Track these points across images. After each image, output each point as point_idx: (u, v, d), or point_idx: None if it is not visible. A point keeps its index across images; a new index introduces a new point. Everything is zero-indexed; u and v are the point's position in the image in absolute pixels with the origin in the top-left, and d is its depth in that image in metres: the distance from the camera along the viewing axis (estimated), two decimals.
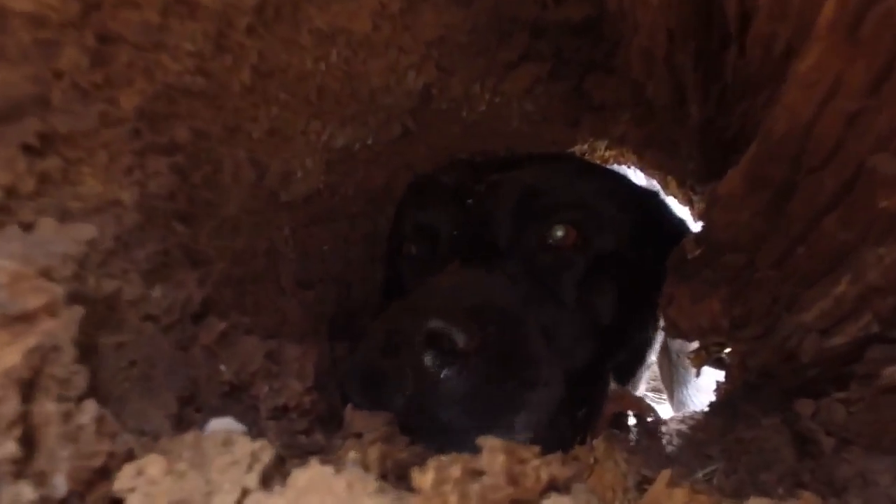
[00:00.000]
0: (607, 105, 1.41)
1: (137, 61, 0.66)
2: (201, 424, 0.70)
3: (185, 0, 0.68)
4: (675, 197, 1.56)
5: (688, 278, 1.18)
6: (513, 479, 0.51)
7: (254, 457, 0.51)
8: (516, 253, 1.14)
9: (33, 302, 0.47)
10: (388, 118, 1.20)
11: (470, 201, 1.23)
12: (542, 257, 1.14)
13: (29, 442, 0.45)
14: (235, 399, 0.81)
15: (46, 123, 0.59)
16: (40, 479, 0.45)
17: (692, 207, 1.52)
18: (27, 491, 0.43)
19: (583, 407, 1.06)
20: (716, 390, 1.21)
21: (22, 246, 0.49)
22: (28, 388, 0.46)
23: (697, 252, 1.21)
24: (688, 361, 1.73)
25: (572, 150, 1.58)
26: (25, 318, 0.46)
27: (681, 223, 1.40)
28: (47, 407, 0.46)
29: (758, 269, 1.04)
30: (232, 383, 0.79)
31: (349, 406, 0.90)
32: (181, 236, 0.77)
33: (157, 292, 0.71)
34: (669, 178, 1.54)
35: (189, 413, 0.73)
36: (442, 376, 0.89)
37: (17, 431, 0.43)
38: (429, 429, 0.91)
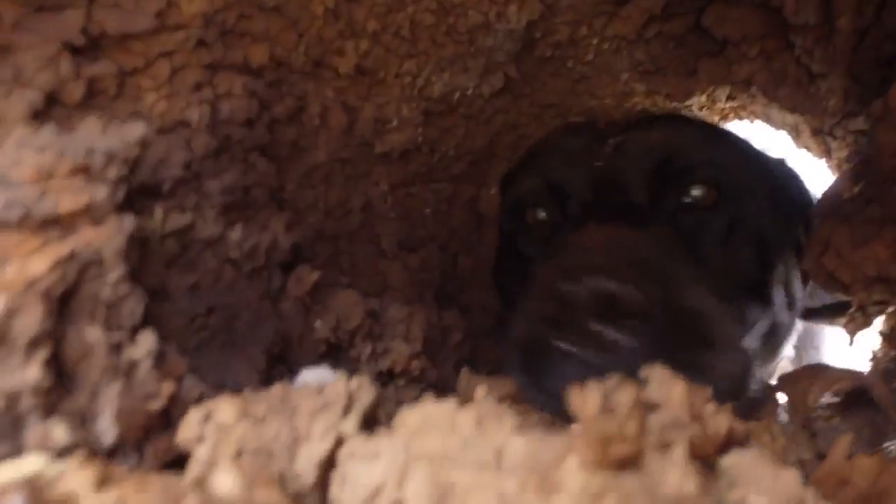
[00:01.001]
0: (731, 41, 1.25)
1: None
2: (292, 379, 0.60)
3: None
4: (808, 149, 1.39)
5: (846, 219, 1.01)
6: (696, 416, 0.38)
7: (350, 398, 0.40)
8: (654, 214, 1.06)
9: (67, 203, 0.37)
10: (488, 64, 1.08)
11: (599, 163, 1.14)
12: (681, 218, 1.06)
13: (64, 373, 0.35)
14: (332, 359, 0.70)
15: (93, 19, 0.49)
16: (79, 419, 0.35)
17: (829, 157, 1.35)
18: (59, 430, 0.33)
19: None
20: (872, 359, 1.04)
21: (56, 141, 0.39)
22: (62, 305, 0.36)
23: (856, 189, 1.05)
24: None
25: (690, 102, 1.43)
26: (58, 222, 0.37)
27: (809, 193, 1.28)
28: (88, 333, 0.36)
29: None
30: (328, 342, 0.68)
31: (464, 371, 0.78)
32: (263, 175, 0.67)
33: (236, 233, 0.61)
34: (802, 125, 1.37)
35: (280, 372, 0.63)
36: (619, 342, 0.79)
37: (43, 353, 0.33)
38: None
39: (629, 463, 0.30)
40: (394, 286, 0.95)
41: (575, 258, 0.91)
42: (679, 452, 0.32)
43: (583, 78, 1.31)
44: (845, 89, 1.13)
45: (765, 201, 1.15)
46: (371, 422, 0.40)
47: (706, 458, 0.39)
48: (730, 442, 0.45)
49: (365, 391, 0.40)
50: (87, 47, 0.50)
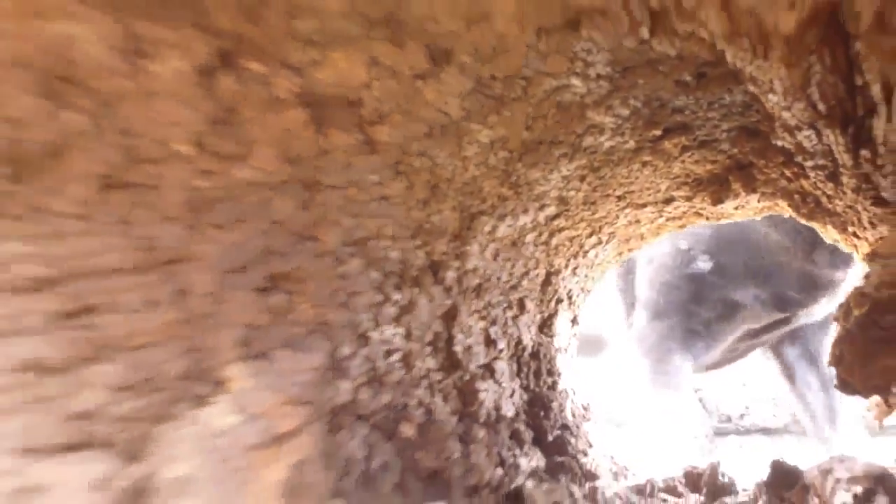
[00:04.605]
0: (756, 164, 1.43)
1: (334, 200, 0.78)
2: None
3: (368, 140, 0.80)
4: (836, 240, 1.54)
5: (855, 336, 1.17)
6: None
7: None
8: None
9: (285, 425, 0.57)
10: (542, 204, 1.28)
11: None
12: None
13: None
14: (432, 482, 0.90)
15: (271, 267, 0.70)
16: None
17: (857, 249, 1.50)
18: None
19: None
20: None
21: (270, 379, 0.60)
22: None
23: (864, 309, 1.20)
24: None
25: (726, 204, 1.61)
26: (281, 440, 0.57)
27: None
28: None
29: None
30: (431, 469, 0.88)
31: (529, 484, 0.96)
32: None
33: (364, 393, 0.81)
34: (829, 225, 1.52)
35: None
36: None
37: None
38: None
39: None
40: None
41: None
42: None
43: (627, 193, 1.50)
44: (858, 213, 1.29)
45: None
46: None
47: None
48: None
49: None
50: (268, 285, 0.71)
